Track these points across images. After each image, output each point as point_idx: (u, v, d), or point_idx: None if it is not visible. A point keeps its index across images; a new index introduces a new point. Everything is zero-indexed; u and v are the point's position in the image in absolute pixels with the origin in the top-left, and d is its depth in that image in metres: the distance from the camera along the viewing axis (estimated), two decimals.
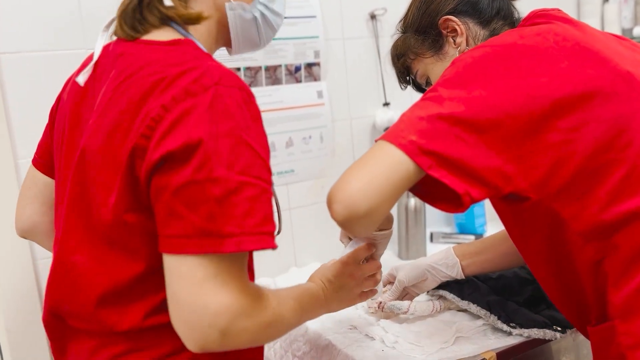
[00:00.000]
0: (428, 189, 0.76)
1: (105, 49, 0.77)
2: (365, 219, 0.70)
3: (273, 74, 1.48)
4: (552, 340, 1.05)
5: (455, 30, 0.97)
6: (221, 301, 0.61)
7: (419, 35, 1.01)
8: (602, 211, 0.75)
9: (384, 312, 1.16)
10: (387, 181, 0.70)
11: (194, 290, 0.62)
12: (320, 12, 1.53)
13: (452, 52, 0.98)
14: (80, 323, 0.75)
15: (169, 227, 0.64)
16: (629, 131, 0.75)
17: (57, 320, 0.78)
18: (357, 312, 1.21)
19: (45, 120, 0.93)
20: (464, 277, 1.16)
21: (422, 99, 0.76)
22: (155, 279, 0.69)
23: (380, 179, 0.70)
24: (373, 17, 1.63)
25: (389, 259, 1.54)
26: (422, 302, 1.16)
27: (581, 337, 1.07)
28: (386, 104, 1.66)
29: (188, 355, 0.71)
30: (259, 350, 0.84)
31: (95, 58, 0.77)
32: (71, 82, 0.82)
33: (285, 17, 1.47)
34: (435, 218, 1.82)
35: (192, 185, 0.62)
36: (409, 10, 1.05)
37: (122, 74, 0.71)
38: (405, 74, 1.07)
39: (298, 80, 1.52)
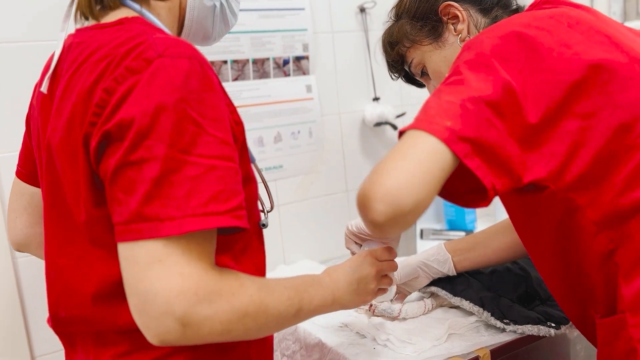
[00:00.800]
0: (447, 184, 0.71)
1: (64, 45, 0.74)
2: (410, 216, 0.64)
3: (261, 67, 1.45)
4: (546, 336, 1.03)
5: (456, 17, 0.95)
6: (172, 286, 0.56)
7: (417, 22, 0.98)
8: (617, 198, 0.73)
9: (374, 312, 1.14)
10: (428, 172, 0.64)
11: (140, 277, 0.57)
12: (309, 4, 1.50)
13: (452, 39, 0.96)
14: (79, 327, 0.71)
15: (113, 215, 0.60)
16: None
17: (59, 327, 0.75)
18: (348, 310, 1.18)
19: (23, 113, 0.90)
20: (455, 273, 1.14)
21: (447, 84, 0.72)
22: None
23: (421, 170, 0.64)
24: (362, 10, 1.61)
25: None
26: (413, 303, 1.14)
27: (576, 332, 1.05)
28: (376, 99, 1.63)
29: (189, 354, 0.68)
30: (269, 354, 0.80)
31: (55, 59, 0.73)
32: (38, 86, 0.79)
33: (273, 9, 1.46)
34: (424, 214, 1.80)
35: (127, 167, 0.59)
36: None
37: (74, 64, 0.68)
38: (399, 63, 1.04)
39: (286, 74, 1.49)
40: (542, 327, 1.03)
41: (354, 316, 1.14)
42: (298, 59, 1.50)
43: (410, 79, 1.08)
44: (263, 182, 0.86)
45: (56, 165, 0.69)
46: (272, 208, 0.88)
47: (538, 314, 1.06)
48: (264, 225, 0.78)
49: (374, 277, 0.87)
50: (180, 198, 0.58)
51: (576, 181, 0.73)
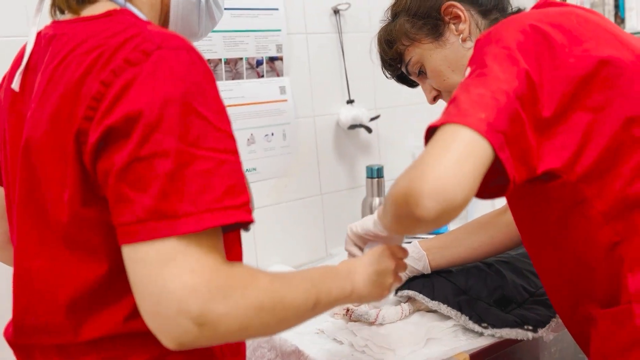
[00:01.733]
0: None
1: (38, 36, 0.71)
2: (457, 210, 0.64)
3: (233, 68, 1.42)
4: (524, 339, 1.03)
5: (458, 17, 0.96)
6: (185, 284, 0.54)
7: (418, 20, 0.99)
8: (624, 188, 0.74)
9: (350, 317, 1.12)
10: (473, 165, 0.64)
11: (153, 278, 0.55)
12: (283, 4, 1.48)
13: (453, 39, 0.97)
14: (45, 337, 0.67)
15: (119, 215, 0.57)
16: None
17: (22, 338, 0.70)
18: (324, 315, 1.16)
19: None
20: (430, 271, 1.14)
21: (473, 77, 0.72)
22: (123, 278, 0.61)
23: (466, 163, 0.64)
24: (336, 12, 1.59)
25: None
26: (390, 308, 1.12)
27: (552, 335, 1.06)
28: (350, 101, 1.62)
29: None
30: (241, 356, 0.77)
31: (28, 50, 0.70)
32: (7, 79, 0.75)
33: (246, 9, 1.43)
34: None
35: (137, 163, 0.56)
36: None
37: (57, 56, 0.64)
38: (396, 61, 1.04)
39: (260, 75, 1.46)
40: (519, 330, 1.03)
41: (331, 322, 1.12)
42: (272, 59, 1.48)
43: (403, 79, 1.08)
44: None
45: (33, 162, 0.65)
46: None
47: (515, 317, 1.06)
48: (247, 229, 0.77)
49: (393, 271, 0.86)
50: (195, 193, 0.56)
51: (586, 172, 0.74)
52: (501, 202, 1.14)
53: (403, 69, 1.05)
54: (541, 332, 1.04)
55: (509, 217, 1.12)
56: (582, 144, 0.73)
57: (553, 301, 0.92)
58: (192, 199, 0.56)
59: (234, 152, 0.61)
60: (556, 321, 1.05)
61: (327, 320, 1.13)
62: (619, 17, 2.17)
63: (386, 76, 1.09)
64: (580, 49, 0.74)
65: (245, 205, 0.59)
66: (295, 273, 0.69)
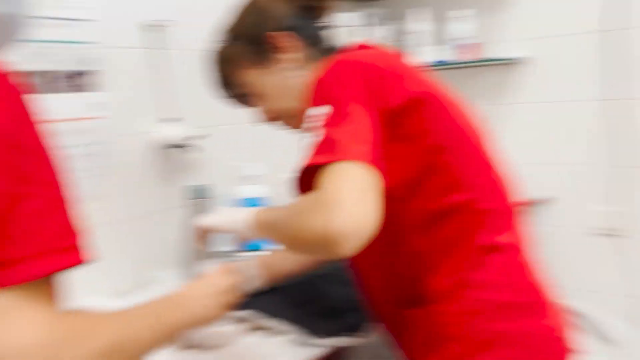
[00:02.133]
0: None
1: None
2: (370, 238, 0.71)
3: (43, 81, 1.28)
4: (353, 345, 1.13)
5: (286, 46, 1.00)
6: (22, 341, 0.50)
7: (249, 45, 1.02)
8: (427, 204, 0.88)
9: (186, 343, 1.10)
10: (374, 194, 0.72)
11: None
12: (99, 16, 1.39)
13: (281, 66, 1.01)
14: None
15: None
16: (459, 139, 0.90)
17: None
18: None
19: None
20: (264, 287, 1.19)
21: (336, 116, 0.79)
22: None
23: (369, 194, 0.72)
24: (158, 27, 1.54)
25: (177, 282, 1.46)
26: (225, 329, 1.13)
27: (369, 339, 1.18)
28: (171, 120, 1.58)
29: None
30: None
31: None
32: None
33: (59, 19, 1.30)
34: (219, 237, 1.80)
35: None
36: (239, 18, 1.05)
37: None
38: (227, 84, 1.06)
39: (72, 90, 1.34)
40: (346, 337, 1.13)
41: (169, 352, 1.08)
42: (86, 73, 1.37)
43: (239, 99, 1.10)
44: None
45: None
46: None
47: (342, 326, 1.16)
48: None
49: (232, 289, 0.90)
50: (25, 237, 0.51)
51: (403, 192, 0.87)
52: None
53: (233, 91, 1.08)
54: (366, 336, 1.16)
55: None
56: (399, 169, 0.86)
57: (373, 306, 1.04)
58: (22, 244, 0.51)
59: (62, 185, 0.56)
60: (373, 325, 1.18)
61: (164, 352, 1.09)
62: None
63: (219, 97, 1.10)
64: (398, 86, 0.86)
65: (79, 245, 0.56)
66: (137, 310, 0.68)
